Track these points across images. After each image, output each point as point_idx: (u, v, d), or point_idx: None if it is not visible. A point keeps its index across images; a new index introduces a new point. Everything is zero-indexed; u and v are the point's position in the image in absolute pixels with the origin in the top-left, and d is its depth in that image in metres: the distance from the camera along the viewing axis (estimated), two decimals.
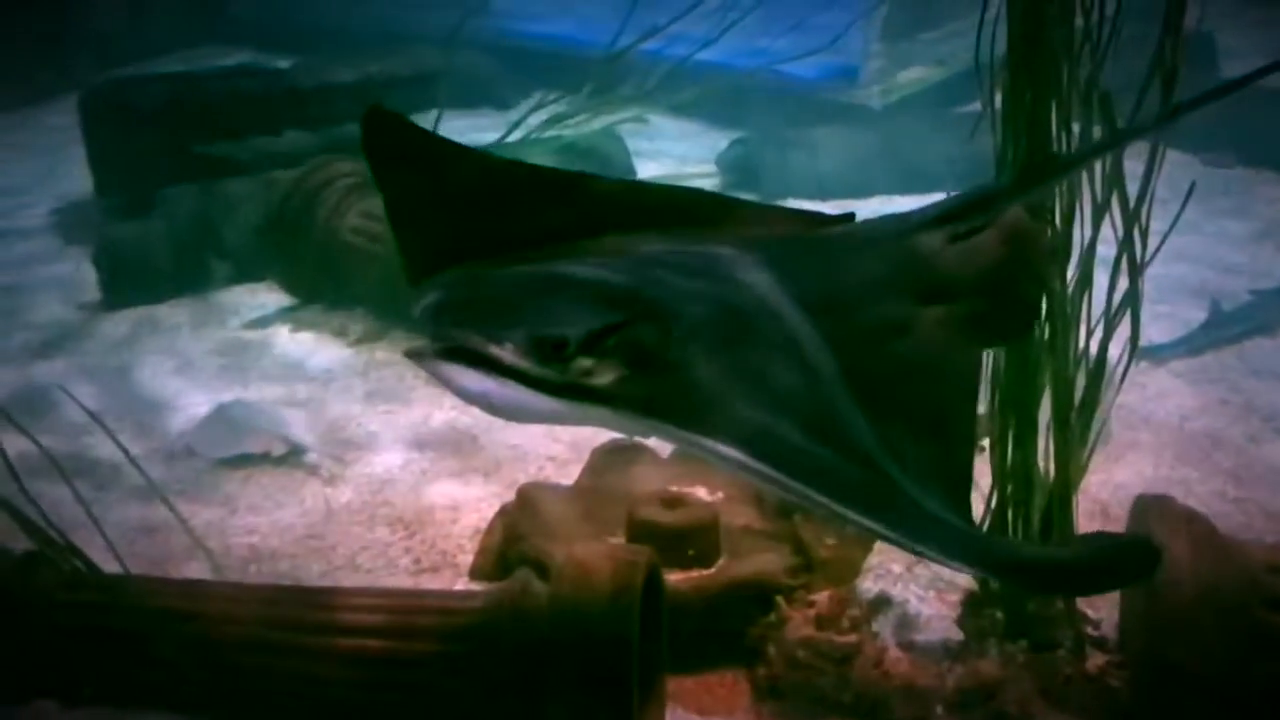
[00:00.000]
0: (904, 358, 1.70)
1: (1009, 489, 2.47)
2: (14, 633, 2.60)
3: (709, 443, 1.52)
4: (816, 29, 6.09)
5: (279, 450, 3.61)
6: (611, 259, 1.79)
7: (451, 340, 1.52)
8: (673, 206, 2.00)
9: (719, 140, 6.16)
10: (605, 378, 1.52)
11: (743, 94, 6.16)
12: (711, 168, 5.97)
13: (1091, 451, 2.48)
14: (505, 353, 1.49)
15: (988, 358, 2.46)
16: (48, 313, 4.69)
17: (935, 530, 1.50)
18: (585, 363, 1.50)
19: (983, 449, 2.76)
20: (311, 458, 3.60)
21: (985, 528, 2.58)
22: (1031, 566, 1.56)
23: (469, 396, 1.56)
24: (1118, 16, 2.03)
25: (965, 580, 2.94)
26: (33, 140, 6.79)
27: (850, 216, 2.05)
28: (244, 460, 3.59)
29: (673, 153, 6.31)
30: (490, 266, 1.77)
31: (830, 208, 2.20)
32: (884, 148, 5.88)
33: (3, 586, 2.61)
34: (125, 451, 2.94)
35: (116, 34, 7.77)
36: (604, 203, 1.98)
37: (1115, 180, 2.15)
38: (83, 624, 2.59)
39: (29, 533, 2.60)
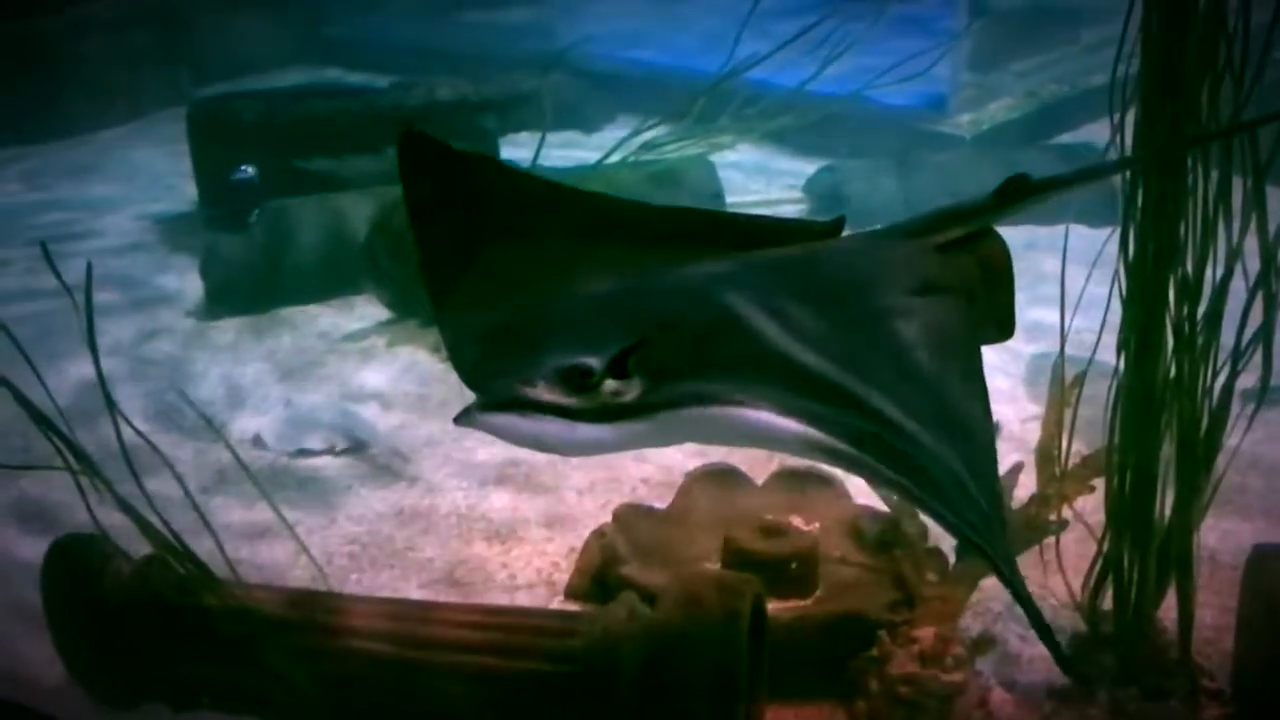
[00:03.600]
0: (909, 335, 1.80)
1: (1124, 533, 2.43)
2: (128, 636, 2.67)
3: (740, 411, 1.60)
4: (905, 57, 6.08)
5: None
6: (627, 281, 1.89)
7: (489, 393, 1.62)
8: (689, 226, 2.14)
9: (806, 166, 6.16)
10: (632, 394, 1.61)
11: (831, 121, 6.16)
12: (799, 194, 5.97)
13: (1212, 496, 2.43)
14: (539, 391, 1.59)
15: (1107, 396, 2.44)
16: (154, 320, 4.83)
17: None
18: (612, 385, 1.59)
19: (1093, 488, 2.73)
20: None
21: (1098, 570, 2.55)
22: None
23: (520, 440, 1.66)
24: (1267, 51, 1.99)
25: (1070, 623, 2.90)
26: (138, 153, 7.02)
27: (840, 221, 2.17)
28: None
29: (760, 178, 6.31)
30: (510, 298, 1.89)
31: None
32: (975, 177, 5.81)
33: (119, 589, 2.68)
34: (238, 457, 3.01)
35: (214, 53, 8.02)
36: (621, 222, 2.11)
37: (1258, 208, 2.11)
38: (195, 629, 2.65)
39: (146, 535, 2.64)
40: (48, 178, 6.74)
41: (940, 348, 1.79)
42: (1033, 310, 4.67)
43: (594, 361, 1.58)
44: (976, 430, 1.70)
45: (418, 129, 2.16)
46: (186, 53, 7.93)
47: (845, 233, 2.21)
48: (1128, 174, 2.23)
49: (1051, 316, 4.53)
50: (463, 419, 1.60)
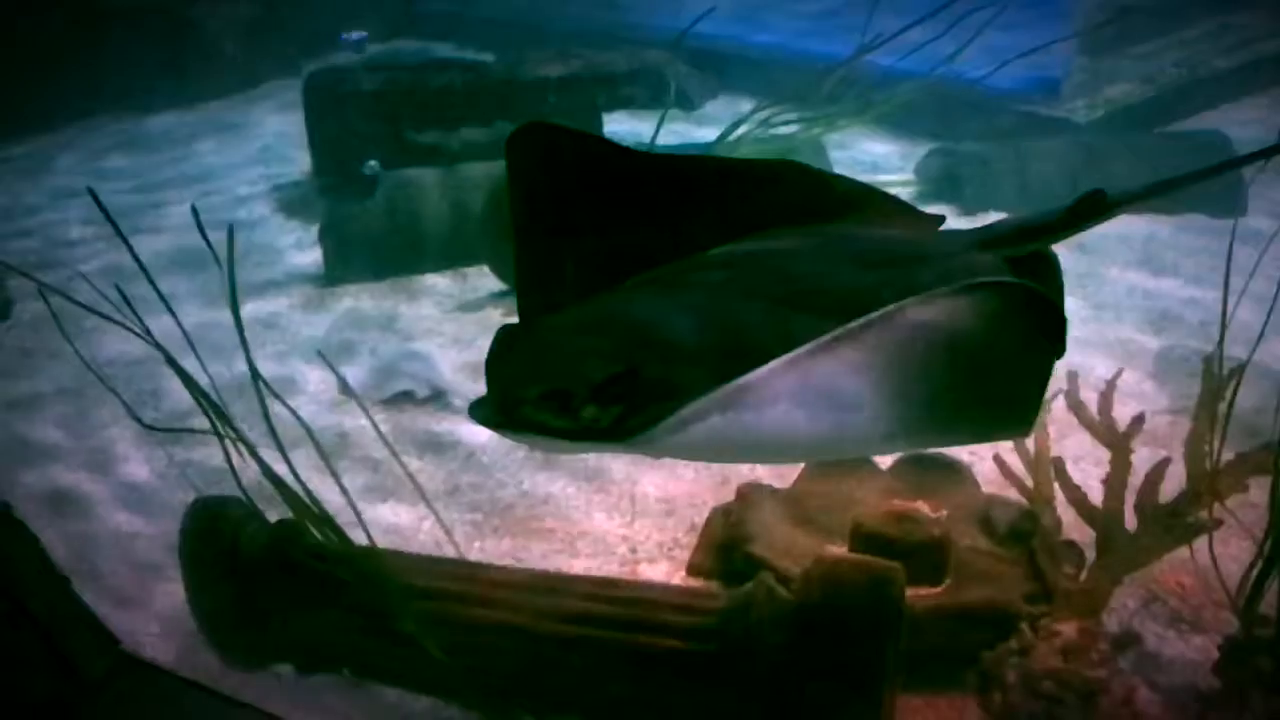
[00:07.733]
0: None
1: None
2: (261, 597, 2.70)
3: (724, 392, 1.57)
4: (1016, 41, 5.92)
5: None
6: (649, 293, 1.89)
7: (486, 407, 1.74)
8: (792, 195, 2.09)
9: (913, 149, 6.05)
10: (609, 420, 1.67)
11: (941, 104, 6.03)
12: (909, 175, 5.86)
13: None
14: (525, 412, 1.69)
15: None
16: (272, 284, 4.91)
17: None
18: (591, 411, 1.67)
19: (1247, 487, 2.63)
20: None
21: (1258, 569, 2.45)
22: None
23: (523, 443, 1.77)
24: None
25: (1210, 620, 2.81)
26: (253, 122, 7.15)
27: (941, 219, 2.16)
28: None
29: (869, 160, 6.21)
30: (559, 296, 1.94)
31: None
32: (1091, 162, 5.66)
33: (254, 551, 2.70)
34: (374, 424, 3.03)
35: (315, 26, 8.13)
36: (715, 195, 2.08)
37: None
38: (327, 593, 2.67)
39: (284, 498, 2.66)
40: (165, 145, 6.90)
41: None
42: (1157, 303, 4.55)
43: (578, 388, 1.67)
44: None
45: (535, 120, 2.10)
46: (291, 25, 8.06)
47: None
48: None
49: (1176, 309, 4.46)
50: (473, 418, 1.73)
